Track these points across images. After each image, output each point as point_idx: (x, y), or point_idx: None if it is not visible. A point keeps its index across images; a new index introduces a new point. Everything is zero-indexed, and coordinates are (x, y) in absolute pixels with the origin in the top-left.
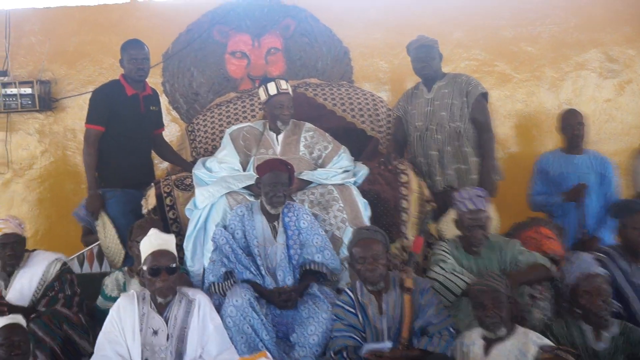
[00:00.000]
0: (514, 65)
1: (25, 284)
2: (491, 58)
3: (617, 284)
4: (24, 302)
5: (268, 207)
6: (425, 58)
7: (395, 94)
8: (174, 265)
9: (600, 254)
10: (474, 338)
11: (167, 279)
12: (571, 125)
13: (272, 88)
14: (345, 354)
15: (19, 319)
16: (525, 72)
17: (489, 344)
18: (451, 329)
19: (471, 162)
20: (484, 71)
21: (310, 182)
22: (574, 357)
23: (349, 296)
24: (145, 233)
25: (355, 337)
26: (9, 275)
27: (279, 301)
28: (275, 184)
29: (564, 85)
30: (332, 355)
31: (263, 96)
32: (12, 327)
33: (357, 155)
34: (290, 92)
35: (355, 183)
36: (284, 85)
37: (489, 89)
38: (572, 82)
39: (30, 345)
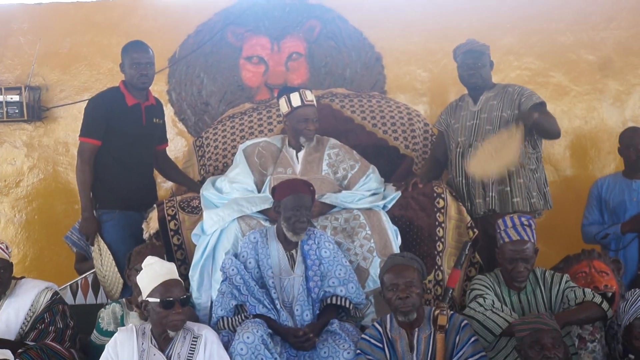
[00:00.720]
0: (572, 76)
1: (11, 315)
2: (546, 67)
3: None
4: (11, 335)
5: (289, 234)
6: (473, 65)
7: (434, 107)
8: (187, 296)
9: None
10: None
11: (180, 312)
12: (634, 145)
13: (295, 99)
14: None
15: (6, 354)
16: (586, 84)
17: None
18: None
19: (515, 184)
20: (537, 82)
21: (334, 206)
22: None
23: (377, 330)
24: None
25: None
26: None
27: (295, 342)
28: (299, 208)
29: (630, 100)
30: None
31: (285, 108)
32: None
33: (389, 176)
34: (315, 102)
35: (384, 208)
36: (309, 96)
37: None
38: None
39: None
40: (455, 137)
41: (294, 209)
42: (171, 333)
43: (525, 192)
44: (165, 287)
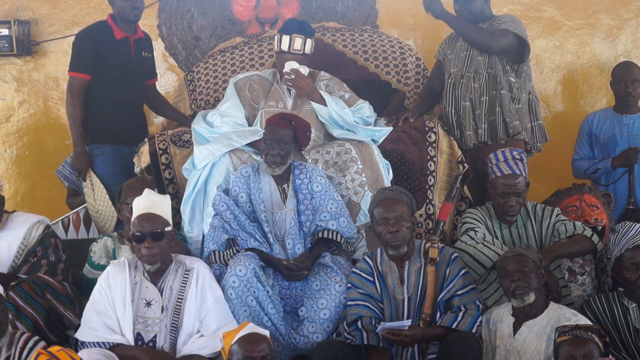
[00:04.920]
0: (565, 11)
1: (4, 248)
2: (539, 2)
3: None
4: (3, 268)
5: (264, 166)
6: (460, 0)
7: (427, 42)
8: (159, 230)
9: None
10: (503, 315)
11: (152, 246)
12: (625, 81)
13: (285, 43)
14: (360, 325)
15: None
16: (578, 19)
17: (518, 321)
18: (478, 303)
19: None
20: (530, 17)
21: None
22: (600, 337)
23: (368, 263)
24: (135, 194)
25: (372, 307)
26: None
27: (287, 273)
28: (272, 140)
29: (622, 35)
30: (346, 327)
31: (275, 45)
32: None
33: (380, 111)
34: (308, 50)
35: (375, 142)
36: (297, 44)
37: (534, 38)
38: (632, 32)
39: (10, 316)
40: (449, 68)
41: (266, 140)
42: (148, 266)
43: (500, 118)
44: (138, 221)
